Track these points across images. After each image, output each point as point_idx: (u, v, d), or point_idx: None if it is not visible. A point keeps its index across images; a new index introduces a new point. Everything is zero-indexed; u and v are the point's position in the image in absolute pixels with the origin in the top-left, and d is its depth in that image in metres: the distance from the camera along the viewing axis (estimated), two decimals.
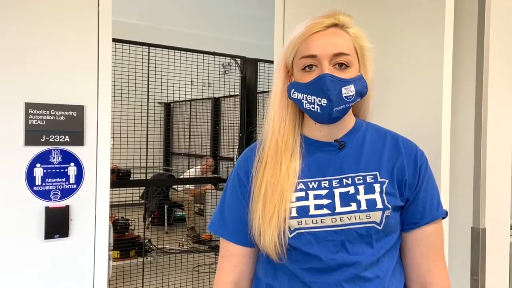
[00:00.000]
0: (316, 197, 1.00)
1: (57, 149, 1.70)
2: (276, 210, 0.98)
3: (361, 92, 1.02)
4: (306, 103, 1.00)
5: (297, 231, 0.98)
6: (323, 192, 1.00)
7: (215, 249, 4.83)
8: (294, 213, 0.99)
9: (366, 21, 1.15)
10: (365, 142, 1.06)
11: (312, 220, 0.98)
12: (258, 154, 1.07)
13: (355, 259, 0.97)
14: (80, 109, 1.73)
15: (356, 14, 1.07)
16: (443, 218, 1.07)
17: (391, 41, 1.63)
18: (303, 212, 0.99)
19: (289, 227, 0.98)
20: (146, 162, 3.80)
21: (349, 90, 0.99)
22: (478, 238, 1.57)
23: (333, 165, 1.03)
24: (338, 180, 1.02)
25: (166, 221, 5.87)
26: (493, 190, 1.62)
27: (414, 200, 1.03)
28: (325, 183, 1.02)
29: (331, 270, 0.97)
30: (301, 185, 1.02)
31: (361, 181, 1.01)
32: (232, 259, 1.08)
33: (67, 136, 1.71)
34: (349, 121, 1.07)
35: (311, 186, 1.02)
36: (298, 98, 1.02)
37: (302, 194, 1.01)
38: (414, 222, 1.03)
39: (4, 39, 1.61)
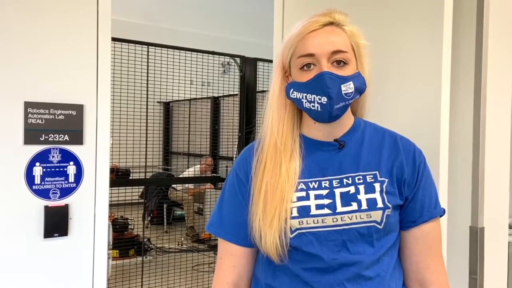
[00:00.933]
0: (317, 197, 1.00)
1: (56, 148, 1.70)
2: (277, 212, 0.98)
3: (360, 89, 1.02)
4: (305, 102, 1.00)
5: (298, 231, 0.98)
6: (324, 192, 1.01)
7: (214, 248, 4.83)
8: (295, 213, 0.99)
9: (364, 19, 1.16)
10: (364, 141, 1.07)
11: (313, 220, 0.98)
12: (257, 154, 1.07)
13: (357, 258, 0.97)
14: (79, 108, 1.73)
15: (354, 12, 1.07)
16: (441, 216, 1.07)
17: (390, 39, 1.63)
18: (304, 212, 0.99)
19: (290, 227, 0.98)
20: (146, 161, 3.80)
21: (348, 87, 0.99)
22: (476, 237, 1.58)
23: (333, 165, 1.04)
24: (338, 180, 1.02)
25: (165, 220, 5.87)
26: (492, 189, 1.62)
27: (413, 199, 1.04)
28: (326, 183, 1.02)
29: (333, 269, 0.97)
30: (301, 185, 1.02)
31: (361, 181, 1.01)
32: (231, 259, 1.08)
33: (66, 135, 1.71)
34: (348, 120, 1.08)
35: (311, 186, 1.02)
36: (298, 97, 1.02)
37: (303, 194, 1.01)
38: (413, 220, 1.04)
39: (3, 38, 1.61)
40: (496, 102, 1.64)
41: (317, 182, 1.02)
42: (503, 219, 1.70)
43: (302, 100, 1.01)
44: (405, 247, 1.06)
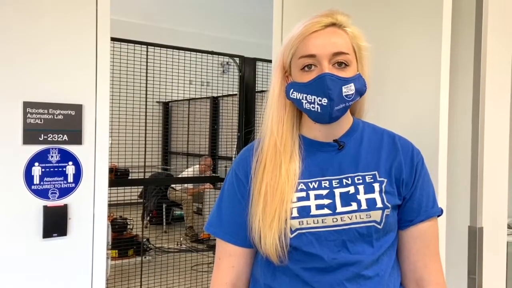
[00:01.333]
0: (317, 197, 1.00)
1: (55, 148, 1.70)
2: (277, 213, 0.98)
3: (361, 91, 1.02)
4: (305, 103, 1.00)
5: (298, 231, 0.98)
6: (324, 192, 1.01)
7: (213, 248, 4.81)
8: (295, 213, 0.99)
9: (363, 18, 1.16)
10: (363, 142, 1.07)
11: (314, 220, 0.98)
12: (256, 154, 1.06)
13: (357, 258, 0.97)
14: (78, 108, 1.73)
15: (353, 12, 1.07)
16: (438, 216, 1.07)
17: (389, 38, 1.63)
18: (304, 212, 0.99)
19: (290, 227, 0.98)
20: (145, 161, 3.80)
21: (349, 89, 0.99)
22: (475, 237, 1.58)
23: (333, 165, 1.04)
24: (338, 180, 1.02)
25: (164, 220, 5.87)
26: (491, 189, 1.62)
27: (410, 198, 1.04)
28: (326, 183, 1.02)
29: (333, 269, 0.98)
30: (301, 185, 1.02)
31: (361, 181, 1.01)
32: (230, 260, 1.07)
33: (65, 135, 1.71)
34: (347, 121, 1.08)
35: (311, 186, 1.02)
36: (298, 98, 1.02)
37: (303, 194, 1.01)
38: (410, 219, 1.04)
39: (3, 38, 1.61)
40: (495, 102, 1.64)
41: (317, 182, 1.02)
42: (502, 219, 1.70)
43: (302, 100, 1.01)
44: (403, 247, 1.06)
